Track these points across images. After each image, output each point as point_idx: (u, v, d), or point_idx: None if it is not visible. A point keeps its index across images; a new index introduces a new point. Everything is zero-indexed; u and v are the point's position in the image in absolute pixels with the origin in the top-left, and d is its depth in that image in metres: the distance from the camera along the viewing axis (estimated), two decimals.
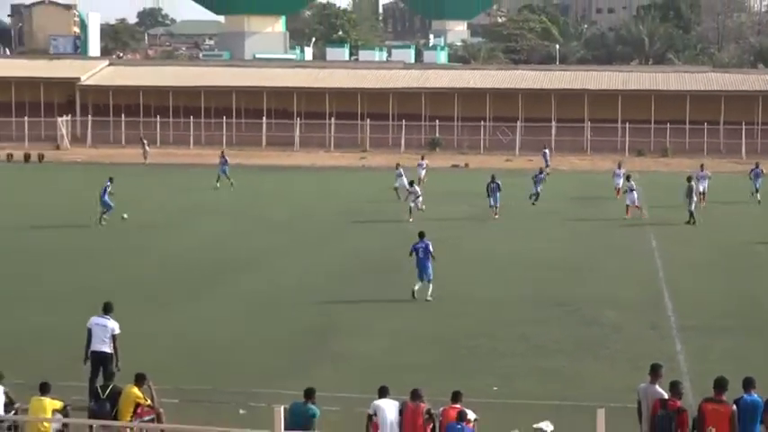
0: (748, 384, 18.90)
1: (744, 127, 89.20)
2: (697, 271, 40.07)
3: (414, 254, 34.13)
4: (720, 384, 18.48)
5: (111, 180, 50.42)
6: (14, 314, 31.69)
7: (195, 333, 29.67)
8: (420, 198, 52.12)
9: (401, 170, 60.23)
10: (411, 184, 54.03)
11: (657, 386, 19.31)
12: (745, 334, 30.13)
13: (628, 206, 52.09)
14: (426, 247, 33.88)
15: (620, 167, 62.44)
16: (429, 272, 33.72)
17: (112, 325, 23.27)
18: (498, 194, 52.08)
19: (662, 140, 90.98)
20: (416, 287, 33.66)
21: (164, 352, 27.15)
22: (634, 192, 52.05)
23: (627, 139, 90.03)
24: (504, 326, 30.92)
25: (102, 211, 49.29)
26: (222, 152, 68.38)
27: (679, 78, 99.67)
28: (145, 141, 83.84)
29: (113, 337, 23.13)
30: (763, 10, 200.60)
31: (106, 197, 49.46)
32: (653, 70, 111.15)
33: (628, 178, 54.91)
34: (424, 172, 66.78)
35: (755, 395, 18.79)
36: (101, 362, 22.88)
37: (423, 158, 70.21)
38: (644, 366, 20.63)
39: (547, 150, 78.87)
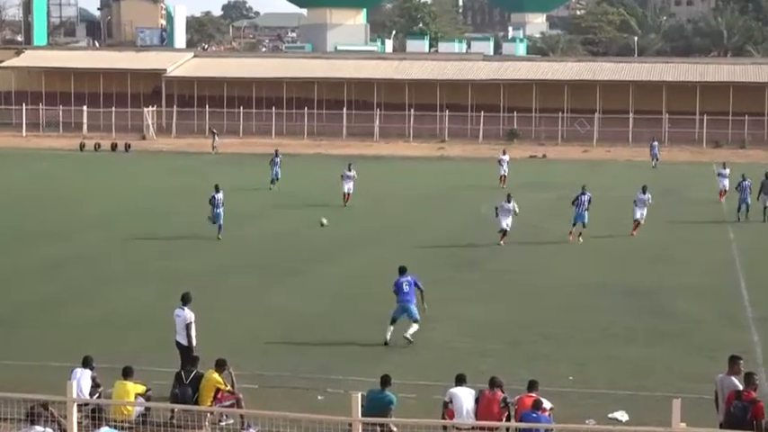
0: None
1: None
2: None
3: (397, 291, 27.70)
4: None
5: (217, 188, 43.31)
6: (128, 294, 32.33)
7: (280, 317, 29.78)
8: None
9: (353, 172, 52.93)
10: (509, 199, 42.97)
11: (734, 377, 19.05)
12: None
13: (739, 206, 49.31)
14: (415, 281, 27.77)
15: (725, 167, 57.04)
16: (413, 311, 27.39)
17: (187, 315, 23.44)
18: (587, 212, 42.92)
19: (740, 132, 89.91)
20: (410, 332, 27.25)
21: (249, 337, 27.27)
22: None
23: (704, 130, 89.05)
24: (579, 313, 30.67)
25: (217, 224, 42.53)
26: (276, 150, 63.05)
27: (757, 70, 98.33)
28: (214, 131, 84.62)
29: (188, 327, 23.30)
30: None
31: (219, 210, 42.54)
32: (731, 62, 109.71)
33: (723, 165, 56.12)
34: (506, 167, 61.80)
35: None
36: (181, 351, 23.06)
37: (504, 152, 64.58)
38: (718, 357, 20.38)
39: (656, 143, 77.56)
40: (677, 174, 67.78)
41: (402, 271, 28.13)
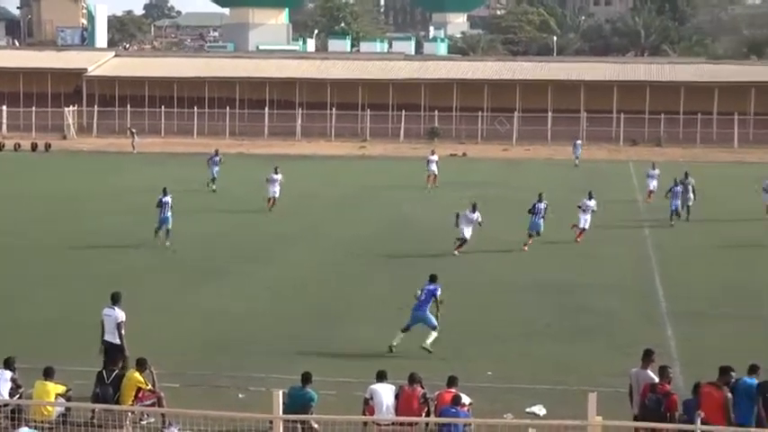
0: (753, 370, 19.07)
1: (736, 117, 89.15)
2: (688, 260, 40.06)
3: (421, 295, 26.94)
4: (724, 371, 18.63)
5: (165, 191, 41.79)
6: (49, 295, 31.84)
7: (204, 317, 29.70)
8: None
9: (280, 175, 51.32)
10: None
11: (649, 371, 19.37)
12: (735, 321, 30.11)
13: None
14: (433, 291, 26.83)
15: (654, 168, 56.40)
16: (429, 319, 26.52)
17: (117, 314, 23.29)
18: (542, 221, 41.52)
19: (656, 130, 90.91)
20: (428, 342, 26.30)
21: (171, 336, 27.17)
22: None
23: (621, 128, 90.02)
24: (501, 311, 30.93)
25: (165, 228, 41.04)
26: (216, 150, 61.75)
27: (673, 70, 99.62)
28: (133, 131, 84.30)
29: (119, 326, 23.15)
30: (757, 2, 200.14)
31: (167, 214, 41.09)
32: (648, 62, 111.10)
33: (653, 166, 55.98)
34: (435, 167, 60.77)
35: (754, 379, 18.91)
36: (110, 351, 22.91)
37: (433, 153, 63.71)
38: (633, 352, 20.67)
39: (579, 142, 77.90)
40: (597, 172, 68.38)
41: (432, 279, 27.23)
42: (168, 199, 41.39)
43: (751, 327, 29.28)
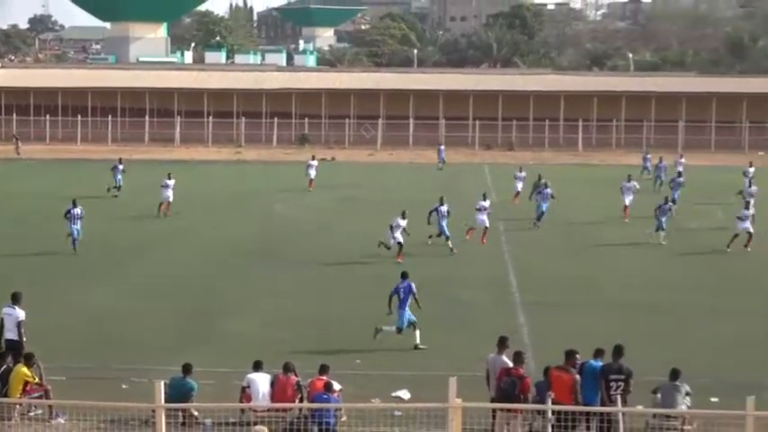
0: (598, 354, 19.39)
1: (581, 123, 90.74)
2: (539, 255, 40.56)
3: (395, 296, 26.97)
4: (569, 354, 18.91)
5: (74, 203, 40.03)
6: None
7: (90, 315, 29.21)
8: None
9: (173, 181, 50.00)
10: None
11: (504, 356, 19.56)
12: (582, 310, 30.62)
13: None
14: (410, 288, 26.93)
15: (521, 171, 56.06)
16: (406, 317, 26.64)
17: (18, 313, 22.79)
18: (445, 223, 40.77)
19: (508, 135, 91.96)
20: (386, 328, 26.77)
21: (59, 333, 26.63)
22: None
23: (477, 134, 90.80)
24: (371, 303, 30.92)
25: (72, 237, 39.09)
26: (120, 159, 60.26)
27: (524, 80, 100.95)
28: (17, 137, 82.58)
29: (19, 324, 22.64)
30: (597, 18, 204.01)
31: (77, 225, 39.26)
32: (500, 73, 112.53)
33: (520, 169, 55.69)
34: (314, 172, 59.60)
35: (600, 361, 19.23)
36: (11, 349, 22.36)
37: (313, 158, 62.48)
38: (490, 339, 20.85)
39: (443, 147, 77.39)
40: (459, 174, 68.85)
41: (404, 276, 27.16)
42: (78, 210, 39.72)
43: (595, 315, 29.79)
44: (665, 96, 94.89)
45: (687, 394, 20.12)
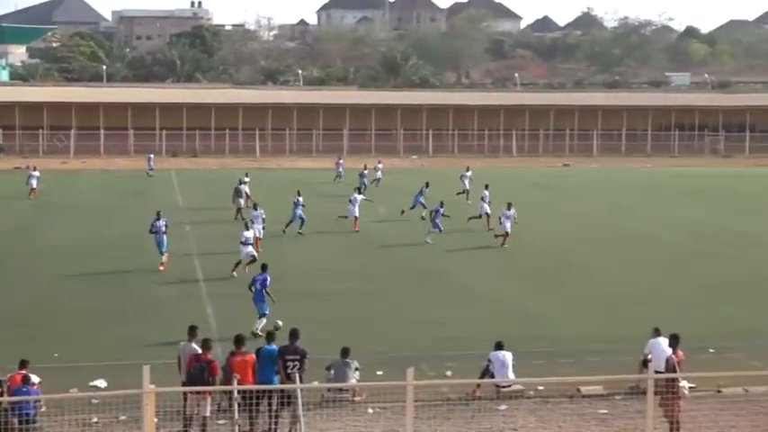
0: (270, 337, 19.60)
1: (257, 132, 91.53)
2: (224, 252, 40.42)
3: (252, 287, 26.97)
4: (239, 340, 19.00)
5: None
6: None
7: None
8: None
9: None
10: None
11: (193, 344, 19.40)
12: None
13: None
14: (264, 280, 26.89)
15: (246, 176, 54.34)
16: (261, 307, 26.67)
17: None
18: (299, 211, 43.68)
19: (192, 144, 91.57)
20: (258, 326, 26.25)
21: None
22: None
23: (164, 143, 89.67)
24: (66, 301, 29.99)
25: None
26: (34, 167, 60.34)
27: (206, 93, 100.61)
28: None
29: None
30: (270, 39, 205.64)
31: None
32: (184, 87, 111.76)
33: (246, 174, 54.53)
34: (35, 182, 56.82)
35: (274, 345, 19.39)
36: None
37: (35, 168, 59.64)
38: (180, 328, 20.64)
39: (152, 156, 75.22)
40: (168, 179, 67.93)
41: (263, 268, 27.35)
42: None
43: (277, 303, 30.03)
44: (331, 107, 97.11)
45: (356, 369, 20.72)
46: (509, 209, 41.67)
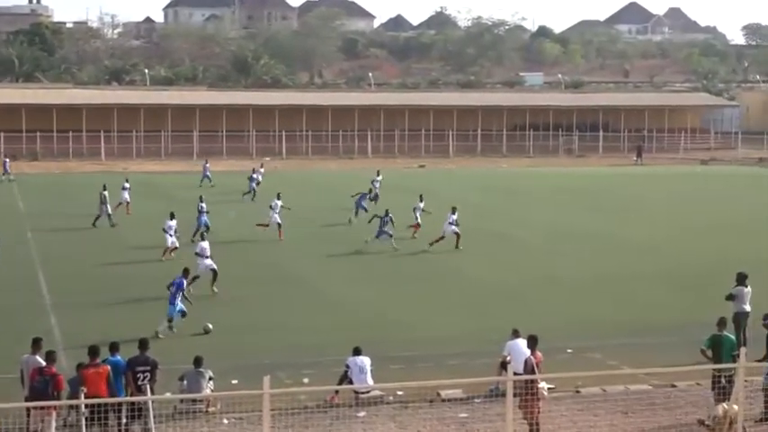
0: (114, 348, 19.23)
1: (102, 134, 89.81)
2: (70, 260, 39.52)
3: (169, 288, 27.39)
4: (95, 351, 18.61)
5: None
6: None
7: None
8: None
9: None
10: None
11: (37, 356, 18.89)
12: (110, 308, 30.18)
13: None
14: (180, 284, 27.39)
15: (127, 181, 53.03)
16: (169, 309, 26.90)
17: None
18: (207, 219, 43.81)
19: (33, 146, 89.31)
20: (159, 328, 26.46)
21: None
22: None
23: (2, 145, 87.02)
24: None
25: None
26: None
27: (46, 93, 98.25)
28: None
29: None
30: (114, 37, 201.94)
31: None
32: (24, 87, 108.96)
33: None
34: None
35: (119, 356, 19.05)
36: None
37: None
38: (24, 339, 20.06)
39: (8, 159, 73.18)
40: (9, 184, 66.20)
41: (184, 272, 28.18)
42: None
43: (122, 312, 29.49)
44: (180, 108, 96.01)
45: (210, 379, 20.51)
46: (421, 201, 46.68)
